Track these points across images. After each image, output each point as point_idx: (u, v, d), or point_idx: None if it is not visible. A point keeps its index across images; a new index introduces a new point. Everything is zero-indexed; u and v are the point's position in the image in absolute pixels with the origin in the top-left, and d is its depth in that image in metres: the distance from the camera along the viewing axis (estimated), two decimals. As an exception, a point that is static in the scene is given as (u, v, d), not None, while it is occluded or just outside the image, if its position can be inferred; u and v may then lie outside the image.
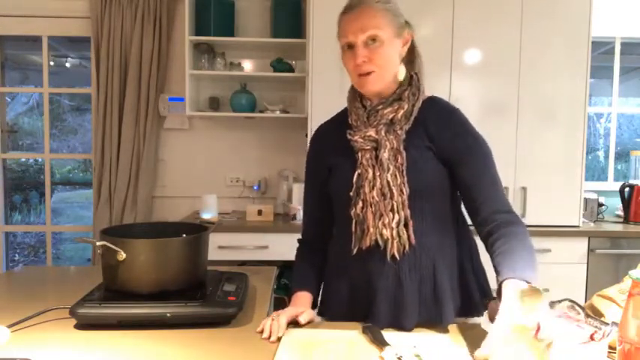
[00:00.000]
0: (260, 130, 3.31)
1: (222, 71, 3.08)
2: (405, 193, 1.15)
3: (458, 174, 1.18)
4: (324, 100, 2.70)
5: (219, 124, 3.30)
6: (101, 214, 3.12)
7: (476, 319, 1.22)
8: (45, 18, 3.21)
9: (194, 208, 3.24)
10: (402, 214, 1.15)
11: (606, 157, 3.51)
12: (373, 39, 1.14)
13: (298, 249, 1.40)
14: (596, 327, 0.91)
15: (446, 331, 1.14)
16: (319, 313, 1.32)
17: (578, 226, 2.79)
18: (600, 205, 3.05)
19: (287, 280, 3.00)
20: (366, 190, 1.17)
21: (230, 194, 3.30)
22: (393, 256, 1.16)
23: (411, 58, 1.26)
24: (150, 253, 1.19)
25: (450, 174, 1.20)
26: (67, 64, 4.07)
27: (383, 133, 1.17)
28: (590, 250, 2.73)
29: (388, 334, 1.04)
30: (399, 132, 1.18)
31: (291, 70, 3.12)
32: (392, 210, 1.15)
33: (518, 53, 2.73)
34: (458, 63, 2.73)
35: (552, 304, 1.02)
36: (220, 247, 2.71)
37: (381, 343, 1.00)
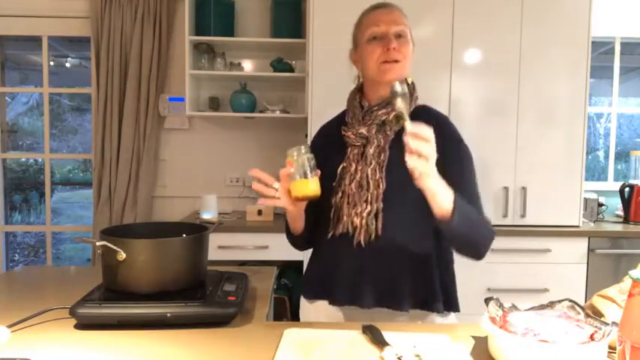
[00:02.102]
0: (260, 130, 3.31)
1: (222, 71, 3.08)
2: (381, 187, 1.23)
3: (444, 178, 1.24)
4: (324, 100, 2.70)
5: (219, 124, 3.31)
6: (101, 214, 3.12)
7: (435, 317, 1.27)
8: (45, 18, 3.21)
9: (194, 208, 3.24)
10: (375, 205, 1.22)
11: (606, 157, 3.51)
12: (401, 35, 1.25)
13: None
14: (596, 327, 0.91)
15: (403, 312, 1.24)
16: (302, 294, 1.41)
17: (578, 226, 2.79)
18: (600, 205, 3.05)
19: (287, 280, 3.00)
20: (347, 181, 1.26)
21: (230, 194, 3.30)
22: (358, 243, 1.24)
23: None
24: (150, 253, 1.19)
25: None
26: (67, 64, 4.07)
27: (373, 131, 1.26)
28: (590, 250, 2.73)
29: (388, 334, 1.04)
30: (388, 132, 1.27)
31: (291, 70, 3.12)
32: (366, 201, 1.23)
33: (519, 53, 2.73)
34: (458, 63, 2.72)
35: (552, 304, 1.03)
36: (220, 247, 2.71)
37: (381, 343, 1.00)
